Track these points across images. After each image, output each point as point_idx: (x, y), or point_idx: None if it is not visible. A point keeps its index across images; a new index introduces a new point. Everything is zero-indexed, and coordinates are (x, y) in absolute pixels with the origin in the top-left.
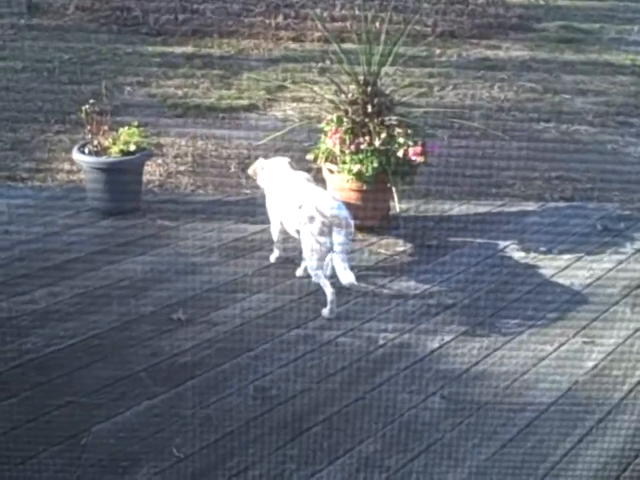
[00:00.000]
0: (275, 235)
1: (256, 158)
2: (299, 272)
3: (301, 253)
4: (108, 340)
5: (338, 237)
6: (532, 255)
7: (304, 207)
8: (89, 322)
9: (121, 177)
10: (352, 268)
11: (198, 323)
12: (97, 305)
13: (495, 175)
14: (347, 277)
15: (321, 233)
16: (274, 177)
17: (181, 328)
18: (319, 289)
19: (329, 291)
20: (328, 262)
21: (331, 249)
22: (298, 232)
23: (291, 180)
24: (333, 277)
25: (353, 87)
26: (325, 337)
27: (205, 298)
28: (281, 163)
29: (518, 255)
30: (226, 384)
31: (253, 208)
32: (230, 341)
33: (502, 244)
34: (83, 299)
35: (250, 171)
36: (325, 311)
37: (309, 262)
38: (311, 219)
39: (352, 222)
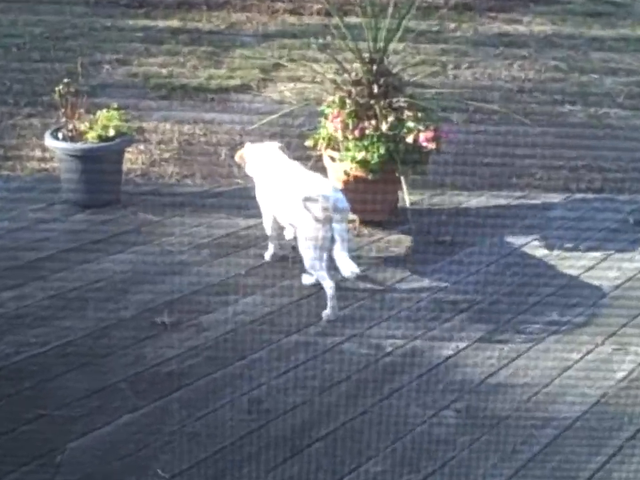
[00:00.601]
0: (269, 229)
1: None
2: (306, 279)
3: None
4: (84, 347)
5: (337, 225)
6: (556, 252)
7: (299, 194)
8: (63, 327)
9: (99, 165)
10: (356, 263)
11: (185, 327)
12: (71, 308)
13: (515, 164)
14: (349, 268)
15: (320, 222)
16: (264, 163)
17: (165, 333)
18: (319, 290)
19: (328, 285)
20: (325, 254)
21: (331, 239)
22: (292, 224)
23: (282, 166)
24: (332, 271)
25: (357, 65)
26: (327, 343)
27: (192, 300)
28: (271, 148)
29: (540, 252)
30: (216, 396)
31: (245, 200)
32: (220, 347)
33: (522, 240)
34: (56, 302)
35: (236, 158)
36: (326, 312)
37: (305, 254)
38: (308, 207)
39: (349, 209)
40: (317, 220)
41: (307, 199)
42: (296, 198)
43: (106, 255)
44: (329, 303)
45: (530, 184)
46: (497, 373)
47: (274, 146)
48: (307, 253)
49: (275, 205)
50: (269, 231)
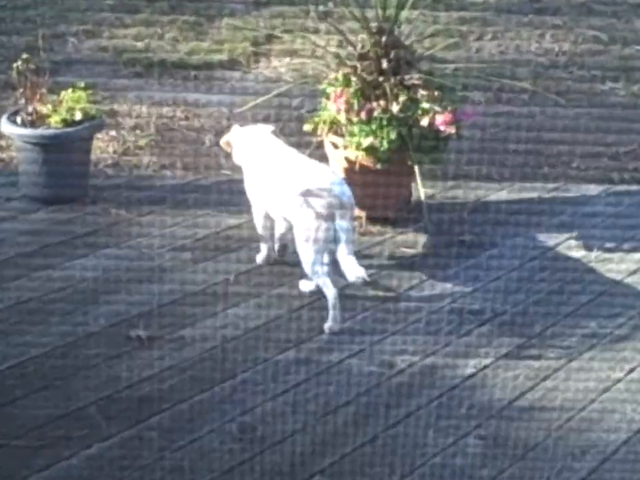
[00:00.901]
0: (260, 227)
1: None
2: (305, 286)
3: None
4: (47, 365)
5: (342, 222)
6: (594, 253)
7: (296, 186)
8: (22, 342)
9: (64, 154)
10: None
11: (164, 342)
12: (31, 320)
13: (547, 150)
14: (355, 272)
15: (322, 218)
16: (254, 150)
17: (141, 349)
18: (320, 299)
19: (330, 293)
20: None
21: (334, 239)
22: (288, 221)
23: (276, 153)
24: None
25: (363, 36)
26: (329, 360)
27: (172, 311)
28: (263, 131)
29: (576, 253)
30: (201, 421)
31: (233, 194)
32: (205, 366)
33: (555, 239)
34: (13, 313)
35: (222, 143)
36: (328, 324)
37: (304, 256)
38: (307, 199)
39: (354, 203)
40: (318, 216)
41: (305, 192)
42: (292, 190)
43: (71, 258)
44: (331, 313)
45: (564, 174)
46: (526, 394)
47: (266, 129)
48: (306, 255)
49: (267, 199)
50: (260, 230)
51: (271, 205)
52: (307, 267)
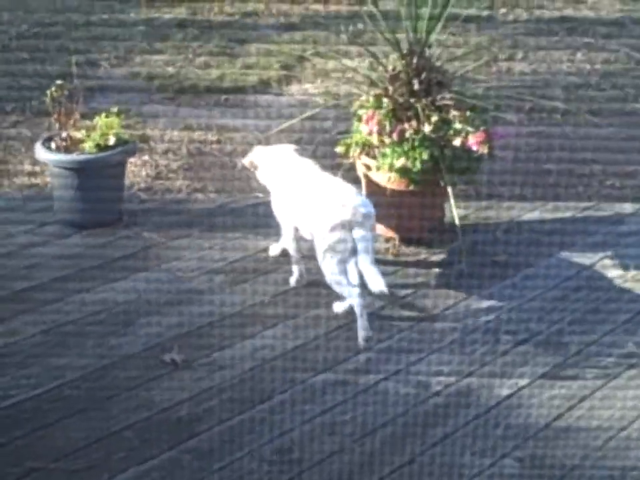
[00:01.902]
0: (291, 247)
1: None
2: (339, 307)
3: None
4: (82, 389)
5: (359, 231)
6: (631, 272)
7: (315, 198)
8: (58, 366)
9: (98, 179)
10: (397, 288)
11: (198, 365)
12: (67, 344)
13: (580, 169)
14: (376, 284)
15: (338, 228)
16: (278, 169)
17: (175, 372)
18: (355, 320)
19: (355, 301)
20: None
21: (354, 249)
22: (312, 234)
23: (301, 171)
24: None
25: (394, 57)
26: (365, 380)
27: (206, 334)
28: (286, 150)
29: (612, 272)
30: (236, 445)
31: (265, 217)
32: (239, 388)
33: (591, 259)
34: (49, 338)
35: (246, 162)
36: (360, 333)
37: (325, 267)
38: (324, 211)
39: (372, 212)
40: (334, 227)
41: (322, 204)
42: (311, 204)
43: (106, 282)
44: (359, 322)
45: (598, 193)
46: (565, 415)
47: (289, 148)
48: (326, 266)
49: (292, 215)
50: (292, 249)
51: (297, 221)
52: (328, 277)
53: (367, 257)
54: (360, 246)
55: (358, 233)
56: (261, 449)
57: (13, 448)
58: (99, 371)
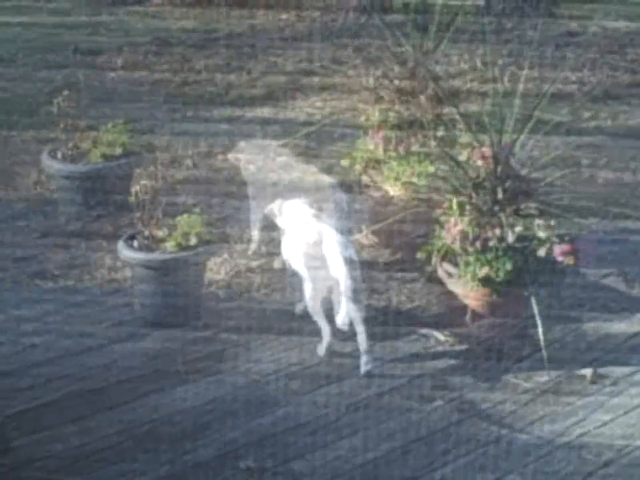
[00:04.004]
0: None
1: None
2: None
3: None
4: None
5: (340, 272)
6: None
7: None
8: (132, 470)
9: (177, 278)
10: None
11: (275, 474)
12: (140, 447)
13: None
14: (342, 318)
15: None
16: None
17: None
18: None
19: (324, 328)
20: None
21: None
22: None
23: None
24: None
25: (478, 164)
26: None
27: (283, 440)
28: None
29: None
30: None
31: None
32: None
33: None
34: (124, 439)
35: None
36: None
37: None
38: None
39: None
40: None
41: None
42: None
43: (184, 383)
44: (325, 340)
45: None
46: None
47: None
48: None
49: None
50: (310, 309)
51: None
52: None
53: (347, 294)
54: (341, 285)
55: (339, 272)
56: None
57: None
58: (172, 478)
